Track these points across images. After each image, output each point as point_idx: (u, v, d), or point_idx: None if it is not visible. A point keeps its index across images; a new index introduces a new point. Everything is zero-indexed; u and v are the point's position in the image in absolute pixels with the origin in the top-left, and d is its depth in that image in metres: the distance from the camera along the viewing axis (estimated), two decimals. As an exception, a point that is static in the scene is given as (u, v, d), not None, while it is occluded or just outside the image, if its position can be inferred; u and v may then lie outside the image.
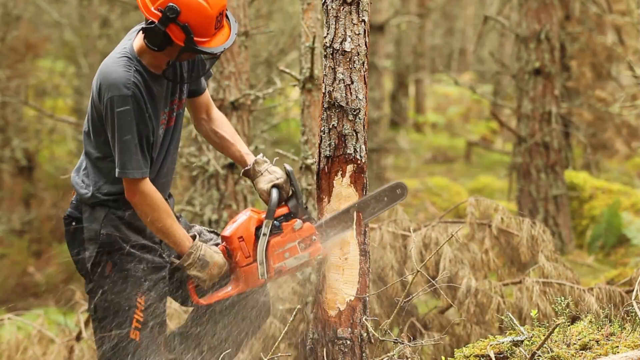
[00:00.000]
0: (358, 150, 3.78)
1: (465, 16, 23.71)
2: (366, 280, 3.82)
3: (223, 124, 3.86)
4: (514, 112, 10.68)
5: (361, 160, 3.79)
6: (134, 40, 3.60)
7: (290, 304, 5.49)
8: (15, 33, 13.82)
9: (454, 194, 13.52)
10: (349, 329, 3.74)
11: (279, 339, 3.13)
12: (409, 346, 3.58)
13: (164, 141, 3.62)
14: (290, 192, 3.76)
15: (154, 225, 3.46)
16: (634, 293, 3.78)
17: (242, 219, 3.70)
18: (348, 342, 3.73)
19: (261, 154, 3.85)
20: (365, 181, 3.83)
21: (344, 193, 3.79)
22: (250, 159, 3.82)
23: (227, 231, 3.69)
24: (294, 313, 3.07)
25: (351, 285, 3.77)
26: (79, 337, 5.62)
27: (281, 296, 5.46)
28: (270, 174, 3.76)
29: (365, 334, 3.77)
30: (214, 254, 3.57)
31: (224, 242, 3.68)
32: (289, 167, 3.73)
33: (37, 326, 5.90)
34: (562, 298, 3.75)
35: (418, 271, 3.11)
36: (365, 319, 3.71)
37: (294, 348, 5.51)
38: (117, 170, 3.41)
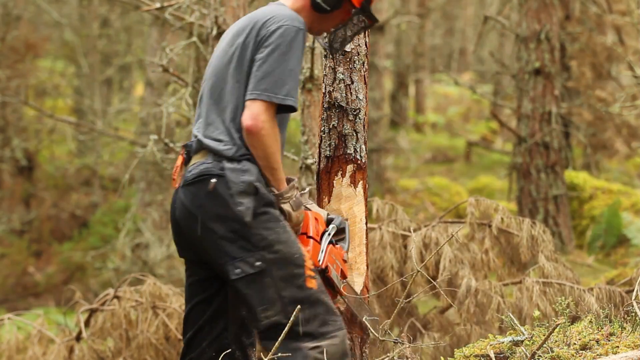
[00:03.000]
0: (358, 150, 3.78)
1: (465, 16, 23.73)
2: (366, 280, 3.82)
3: None
4: (514, 112, 10.69)
5: (361, 160, 3.80)
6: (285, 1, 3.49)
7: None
8: (15, 33, 13.83)
9: (454, 194, 13.53)
10: (349, 329, 3.74)
11: (279, 339, 3.12)
12: (409, 346, 3.58)
13: None
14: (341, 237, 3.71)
15: (268, 159, 3.33)
16: (634, 293, 3.78)
17: (316, 208, 3.65)
18: (348, 342, 3.73)
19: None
20: (365, 181, 3.84)
21: (344, 193, 3.79)
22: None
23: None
24: (294, 313, 3.06)
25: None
26: (79, 337, 5.62)
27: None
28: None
29: (365, 334, 3.77)
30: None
31: None
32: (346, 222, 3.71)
33: (37, 326, 5.89)
34: (562, 298, 3.75)
35: (418, 271, 3.11)
36: (365, 319, 3.71)
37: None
38: (261, 93, 3.26)
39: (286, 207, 3.43)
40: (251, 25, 3.37)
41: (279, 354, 3.16)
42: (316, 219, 3.55)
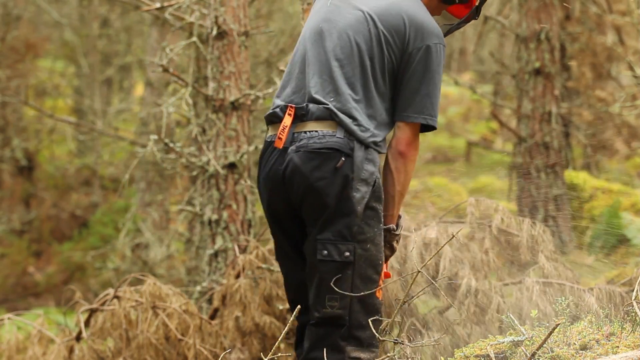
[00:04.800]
0: (358, 150, 3.77)
1: (465, 16, 23.67)
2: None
3: None
4: (514, 112, 10.69)
5: (361, 160, 3.78)
6: None
7: (290, 304, 5.48)
8: (15, 33, 13.83)
9: (454, 194, 13.53)
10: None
11: (279, 339, 3.12)
12: (409, 346, 3.57)
13: None
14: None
15: (404, 185, 3.31)
16: (634, 293, 3.78)
17: None
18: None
19: None
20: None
21: (344, 193, 3.78)
22: None
23: None
24: (294, 313, 3.06)
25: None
26: (79, 337, 5.62)
27: (281, 296, 5.46)
28: None
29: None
30: None
31: None
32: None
33: (37, 326, 5.89)
34: (562, 298, 3.75)
35: (419, 271, 3.11)
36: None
37: (294, 348, 5.50)
38: (418, 116, 3.24)
39: (394, 243, 3.42)
40: (400, 19, 3.27)
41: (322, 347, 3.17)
42: None
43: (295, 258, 3.42)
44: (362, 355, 3.24)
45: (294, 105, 3.28)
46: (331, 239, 3.21)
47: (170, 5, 6.70)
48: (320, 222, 3.23)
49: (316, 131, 3.24)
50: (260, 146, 6.67)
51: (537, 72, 9.65)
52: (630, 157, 13.21)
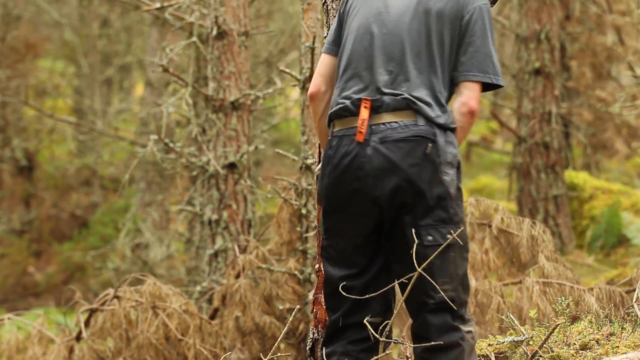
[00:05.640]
0: (358, 150, 3.76)
1: (465, 16, 23.70)
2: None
3: None
4: (514, 112, 10.70)
5: (361, 160, 3.78)
6: None
7: (290, 304, 5.49)
8: (15, 33, 13.83)
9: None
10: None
11: (279, 339, 3.12)
12: (410, 346, 3.57)
13: None
14: None
15: (461, 142, 3.43)
16: (635, 294, 3.79)
17: None
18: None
19: None
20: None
21: (344, 193, 3.78)
22: None
23: None
24: (294, 313, 3.07)
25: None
26: (79, 337, 5.62)
27: (281, 296, 5.47)
28: None
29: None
30: None
31: None
32: None
33: (37, 326, 5.89)
34: (562, 298, 3.75)
35: (419, 272, 3.11)
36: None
37: (294, 348, 5.51)
38: (484, 75, 3.37)
39: None
40: None
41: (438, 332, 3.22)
42: None
43: (350, 253, 3.42)
44: (471, 329, 3.31)
45: (369, 98, 3.33)
46: (433, 224, 3.28)
47: (170, 5, 6.70)
48: (420, 208, 3.29)
49: (396, 122, 3.30)
50: (261, 146, 6.69)
51: (537, 72, 9.66)
52: (630, 157, 13.21)
